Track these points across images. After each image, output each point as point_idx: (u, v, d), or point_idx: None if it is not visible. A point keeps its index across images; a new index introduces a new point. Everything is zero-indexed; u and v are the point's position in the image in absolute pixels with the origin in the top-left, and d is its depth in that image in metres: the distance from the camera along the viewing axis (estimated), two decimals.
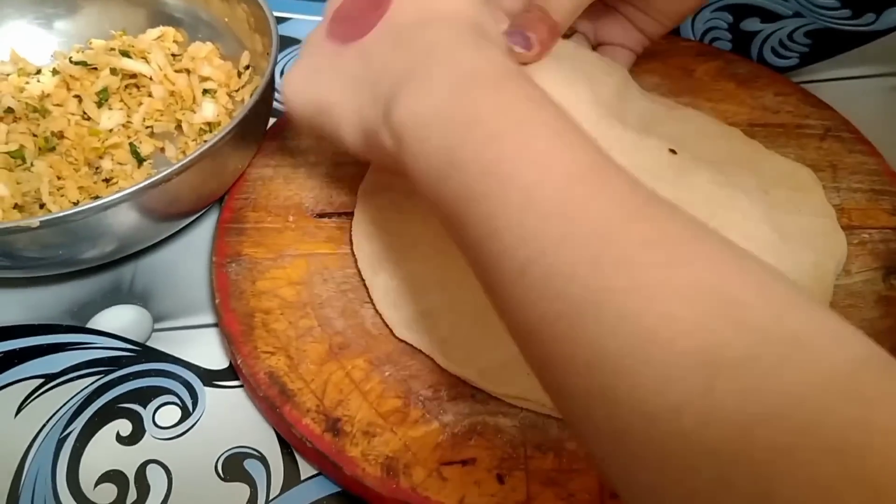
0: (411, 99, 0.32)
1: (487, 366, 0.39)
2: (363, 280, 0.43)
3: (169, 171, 0.40)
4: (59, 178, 0.49)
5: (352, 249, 0.45)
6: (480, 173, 0.29)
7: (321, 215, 0.47)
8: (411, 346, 0.41)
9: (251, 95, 0.45)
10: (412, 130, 0.32)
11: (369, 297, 0.43)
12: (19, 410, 0.41)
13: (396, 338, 0.41)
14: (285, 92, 0.40)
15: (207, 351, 0.43)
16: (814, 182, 0.46)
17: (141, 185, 0.40)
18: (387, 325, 0.41)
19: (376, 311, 0.42)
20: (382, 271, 0.43)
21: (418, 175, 0.32)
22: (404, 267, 0.43)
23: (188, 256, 0.47)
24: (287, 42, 0.61)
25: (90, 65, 0.53)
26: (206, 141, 0.43)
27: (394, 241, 0.44)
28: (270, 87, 0.48)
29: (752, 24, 0.60)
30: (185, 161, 0.41)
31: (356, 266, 0.44)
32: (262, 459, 0.39)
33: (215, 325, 0.44)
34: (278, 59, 0.57)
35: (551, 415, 0.38)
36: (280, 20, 0.62)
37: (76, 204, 0.47)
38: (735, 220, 0.40)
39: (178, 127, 0.53)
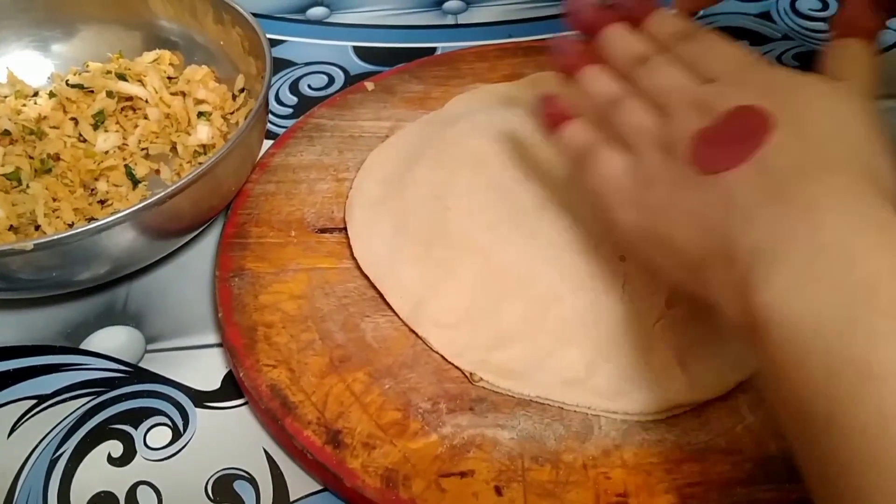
0: (786, 285, 0.27)
1: (495, 362, 0.39)
2: (363, 294, 0.44)
3: (163, 193, 0.40)
4: (54, 199, 0.48)
5: (354, 261, 0.45)
6: (873, 422, 0.23)
7: (322, 230, 0.47)
8: (410, 359, 0.41)
9: (246, 118, 0.45)
10: (779, 323, 0.27)
11: (386, 302, 0.43)
12: (12, 431, 0.40)
13: (397, 351, 0.41)
14: (611, 200, 0.36)
15: (199, 372, 0.43)
16: None
17: (134, 207, 0.40)
18: (403, 322, 0.42)
19: (393, 312, 0.43)
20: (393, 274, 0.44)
21: (771, 363, 0.27)
22: (412, 269, 0.44)
23: (181, 278, 0.47)
24: (281, 64, 0.62)
25: (87, 87, 0.54)
26: (200, 163, 0.43)
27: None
28: (265, 109, 0.48)
29: None
30: (179, 183, 0.41)
31: (356, 280, 0.44)
32: (252, 481, 0.38)
33: (207, 346, 0.44)
34: (272, 82, 0.58)
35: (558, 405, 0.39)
36: (274, 42, 0.64)
37: (71, 226, 0.47)
38: None
39: (174, 149, 0.53)
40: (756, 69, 0.36)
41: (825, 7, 0.65)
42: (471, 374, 0.40)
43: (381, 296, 0.43)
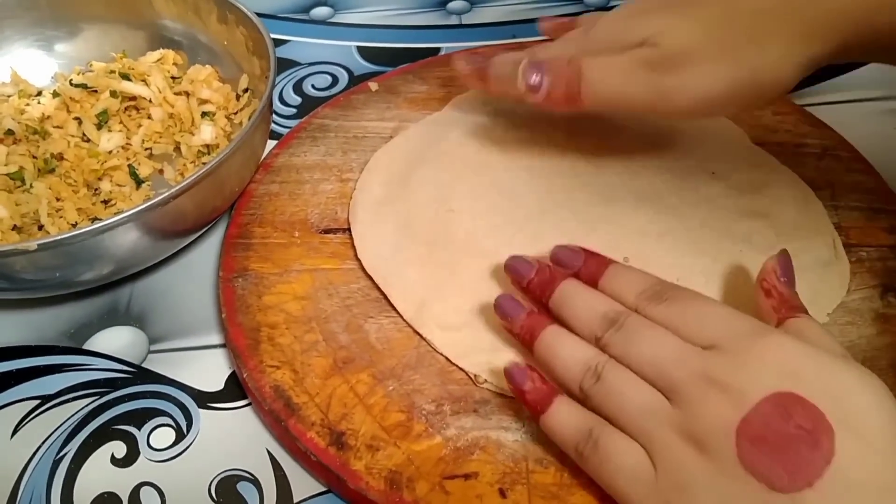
0: None
1: (499, 363, 0.39)
2: (367, 295, 0.44)
3: (166, 194, 0.40)
4: (57, 199, 0.48)
5: (358, 262, 0.45)
6: None
7: (326, 231, 0.47)
8: (414, 360, 0.40)
9: (249, 118, 0.45)
10: None
11: (389, 303, 0.43)
12: (15, 431, 0.40)
13: (401, 352, 0.41)
14: (631, 493, 0.32)
15: (203, 373, 0.43)
16: (816, 204, 0.47)
17: (138, 208, 0.40)
18: (407, 324, 0.42)
19: (397, 313, 0.42)
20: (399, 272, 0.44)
21: None
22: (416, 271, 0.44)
23: (185, 278, 0.47)
24: (285, 64, 0.61)
25: (90, 87, 0.54)
26: (204, 163, 0.43)
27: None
28: (268, 109, 0.48)
29: None
30: (183, 184, 0.41)
31: (360, 281, 0.44)
32: (255, 482, 0.38)
33: (211, 346, 0.44)
34: (276, 82, 0.58)
35: None
36: (278, 42, 0.63)
37: (74, 225, 0.47)
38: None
39: (177, 149, 0.53)
40: (758, 335, 0.32)
41: None
42: (475, 375, 0.40)
43: (385, 297, 0.43)
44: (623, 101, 0.40)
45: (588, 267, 0.39)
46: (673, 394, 0.32)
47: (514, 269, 0.40)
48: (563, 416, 0.35)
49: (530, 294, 0.40)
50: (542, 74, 0.41)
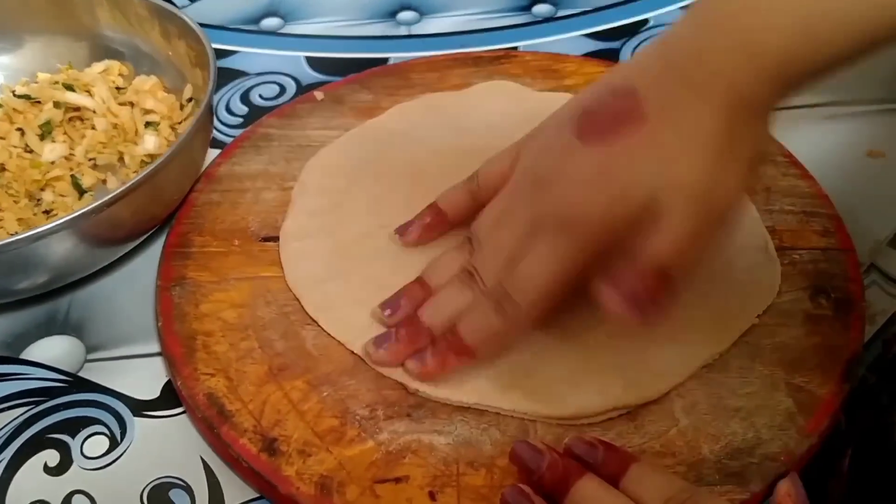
0: None
1: None
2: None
3: (100, 202, 0.40)
4: None
5: None
6: None
7: (266, 239, 0.47)
8: (350, 366, 0.41)
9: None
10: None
11: (311, 318, 0.43)
12: None
13: (337, 359, 0.41)
14: None
15: (139, 381, 0.43)
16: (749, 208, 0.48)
17: (72, 216, 0.40)
18: (335, 339, 0.42)
19: (321, 330, 0.42)
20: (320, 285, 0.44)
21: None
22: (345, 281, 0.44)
23: (125, 287, 0.47)
24: (233, 74, 0.62)
25: (34, 98, 0.54)
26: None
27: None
28: (208, 118, 0.49)
29: None
30: (117, 192, 0.41)
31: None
32: (188, 489, 0.38)
33: (148, 355, 0.44)
34: (224, 92, 0.59)
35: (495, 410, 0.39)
36: (227, 53, 0.64)
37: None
38: None
39: (121, 159, 0.53)
40: None
41: None
42: (405, 385, 0.40)
43: None
44: (703, 250, 0.38)
45: (609, 464, 0.35)
46: None
47: (521, 459, 0.36)
48: None
49: (542, 489, 0.35)
50: (641, 304, 0.37)
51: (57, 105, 0.53)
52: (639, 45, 0.63)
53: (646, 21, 0.66)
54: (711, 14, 0.36)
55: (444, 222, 0.46)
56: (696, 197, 0.36)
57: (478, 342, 0.39)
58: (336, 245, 0.46)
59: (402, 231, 0.46)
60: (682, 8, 0.67)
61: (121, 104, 0.54)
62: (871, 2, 0.33)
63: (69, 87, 0.54)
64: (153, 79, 0.55)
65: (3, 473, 0.39)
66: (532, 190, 0.40)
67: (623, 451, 0.36)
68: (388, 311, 0.42)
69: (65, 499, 0.38)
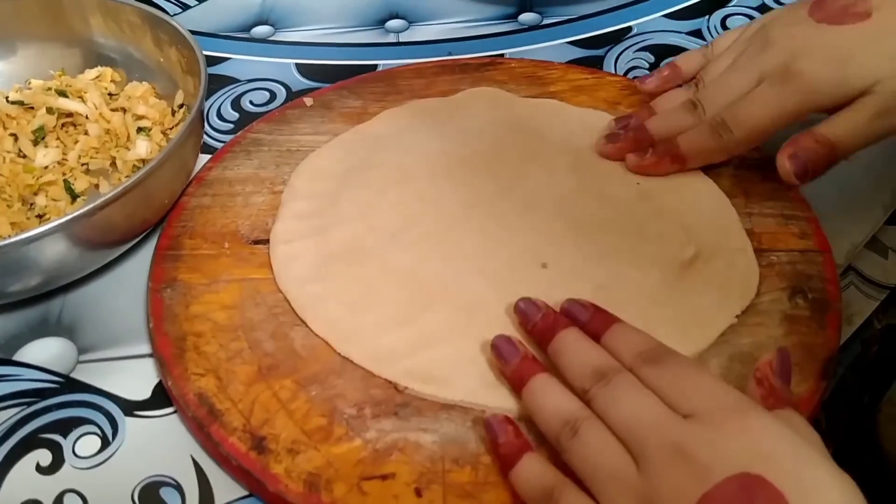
0: None
1: (419, 369, 0.41)
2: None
3: (92, 205, 0.41)
4: None
5: None
6: None
7: (256, 242, 0.48)
8: (338, 366, 0.41)
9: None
10: None
11: (300, 319, 0.44)
12: None
13: (325, 358, 0.42)
14: None
15: (130, 382, 0.43)
16: (729, 211, 0.49)
17: (64, 219, 0.40)
18: (323, 340, 0.43)
19: (310, 330, 0.43)
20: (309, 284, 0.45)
21: None
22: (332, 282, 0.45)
23: (117, 289, 0.48)
24: (224, 81, 0.63)
25: (27, 104, 0.54)
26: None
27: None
28: (199, 123, 0.49)
29: None
30: (109, 195, 0.42)
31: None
32: (178, 487, 0.39)
33: (139, 356, 0.44)
34: (215, 98, 0.60)
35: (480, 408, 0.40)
36: (218, 60, 0.65)
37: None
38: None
39: (113, 164, 0.54)
40: (740, 410, 0.32)
41: None
42: (396, 383, 0.41)
43: None
44: (868, 145, 0.45)
45: (594, 322, 0.39)
46: (641, 459, 0.32)
47: (521, 311, 0.41)
48: (529, 474, 0.35)
49: (533, 337, 0.41)
50: (804, 166, 0.45)
51: (50, 111, 0.54)
52: (622, 52, 0.64)
53: (629, 29, 0.67)
54: None
55: (679, 76, 0.54)
56: (884, 110, 0.43)
57: (692, 153, 0.49)
58: (324, 247, 0.47)
59: (642, 80, 0.55)
60: (664, 16, 0.68)
61: (113, 110, 0.55)
62: None
63: (62, 93, 0.54)
64: (145, 85, 0.56)
65: None
66: (762, 47, 0.47)
67: (610, 315, 0.40)
68: (617, 124, 0.52)
69: (57, 498, 0.38)
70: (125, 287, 0.48)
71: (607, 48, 0.65)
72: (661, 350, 0.36)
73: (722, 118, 0.47)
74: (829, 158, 0.45)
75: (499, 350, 0.40)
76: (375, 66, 0.64)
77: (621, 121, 0.52)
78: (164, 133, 0.54)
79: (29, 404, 0.42)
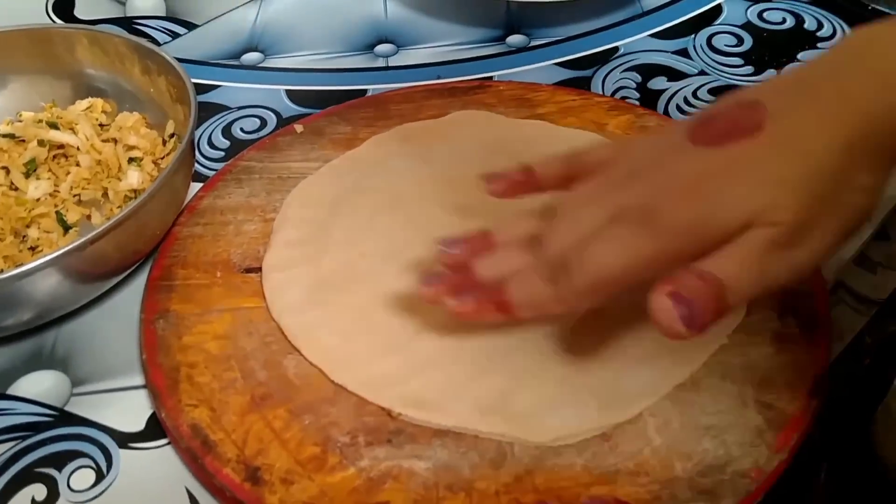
0: None
1: (411, 395, 0.41)
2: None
3: (84, 238, 0.41)
4: None
5: None
6: None
7: (248, 270, 0.48)
8: (331, 394, 0.42)
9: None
10: None
11: (294, 347, 0.44)
12: None
13: (318, 387, 0.42)
14: None
15: (124, 414, 0.43)
16: None
17: (56, 253, 0.41)
18: (317, 368, 0.43)
19: (303, 358, 0.43)
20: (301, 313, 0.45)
21: None
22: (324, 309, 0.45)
23: (110, 321, 0.48)
24: (214, 108, 0.63)
25: (18, 137, 0.55)
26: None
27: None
28: (190, 153, 0.50)
29: (658, 82, 0.64)
30: (101, 228, 0.42)
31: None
32: None
33: (133, 387, 0.44)
34: (206, 126, 0.60)
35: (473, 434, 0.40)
36: (208, 88, 0.65)
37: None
38: None
39: (105, 194, 0.54)
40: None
41: (740, 43, 0.68)
42: (389, 410, 0.41)
43: None
44: (765, 291, 0.37)
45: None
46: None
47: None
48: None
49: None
50: (690, 305, 0.34)
51: (41, 143, 0.54)
52: (609, 72, 0.65)
53: (616, 49, 0.67)
54: (854, 49, 0.37)
55: (533, 184, 0.44)
56: (780, 242, 0.35)
57: (522, 303, 0.40)
58: (316, 275, 0.47)
59: (490, 179, 0.45)
60: (650, 36, 0.69)
61: (104, 141, 0.55)
62: None
63: (53, 125, 0.55)
64: (136, 115, 0.56)
65: None
66: (627, 179, 0.39)
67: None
68: (443, 247, 0.43)
69: None
70: (118, 318, 0.48)
71: (594, 69, 0.65)
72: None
73: (564, 260, 0.38)
74: (718, 303, 0.34)
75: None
76: (365, 90, 0.64)
77: (450, 246, 0.43)
78: (155, 163, 0.55)
79: (23, 438, 0.42)
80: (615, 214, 0.38)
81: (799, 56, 0.66)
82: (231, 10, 0.74)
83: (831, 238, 0.36)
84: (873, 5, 0.70)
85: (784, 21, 0.70)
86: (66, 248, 0.41)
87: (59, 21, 0.73)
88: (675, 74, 0.64)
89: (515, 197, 0.44)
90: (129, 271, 0.49)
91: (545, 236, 0.40)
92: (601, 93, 0.63)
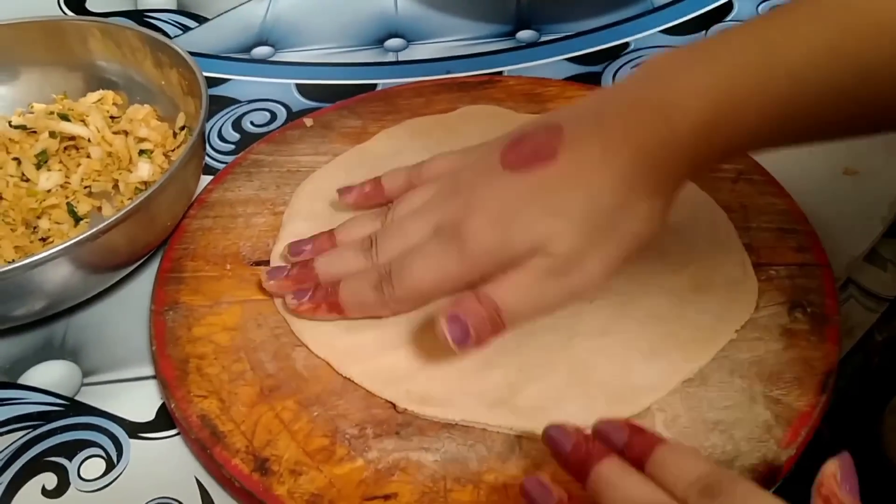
0: None
1: (418, 389, 0.41)
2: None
3: (95, 229, 0.42)
4: None
5: None
6: None
7: (258, 263, 0.48)
8: (339, 386, 0.42)
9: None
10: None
11: (299, 340, 0.44)
12: None
13: (326, 379, 0.42)
14: None
15: (134, 404, 0.44)
16: (727, 226, 0.49)
17: (67, 243, 0.41)
18: (324, 360, 0.43)
19: (310, 351, 0.43)
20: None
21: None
22: None
23: (120, 312, 0.48)
24: (225, 102, 0.63)
25: (30, 128, 0.55)
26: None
27: None
28: (200, 146, 0.50)
29: None
30: (112, 219, 0.42)
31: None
32: None
33: (143, 378, 0.45)
34: (216, 119, 0.61)
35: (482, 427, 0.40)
36: (219, 81, 0.65)
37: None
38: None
39: (116, 186, 0.54)
40: None
41: None
42: (394, 404, 0.41)
43: None
44: (542, 313, 0.42)
45: (633, 446, 0.34)
46: None
47: (551, 440, 0.35)
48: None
49: (568, 471, 0.35)
50: (465, 326, 0.39)
51: (52, 135, 0.54)
52: (620, 68, 0.65)
53: (626, 45, 0.67)
54: (645, 79, 0.39)
55: (380, 196, 0.48)
56: (555, 270, 0.39)
57: (350, 306, 0.43)
58: None
59: (343, 192, 0.49)
60: (661, 31, 0.69)
61: (115, 133, 0.55)
62: (776, 89, 0.35)
63: (64, 117, 0.55)
64: (147, 108, 0.57)
65: (1, 497, 0.40)
66: (449, 195, 0.43)
67: (650, 434, 0.34)
68: (292, 251, 0.46)
69: None
70: (128, 310, 0.48)
71: (605, 64, 0.65)
72: (717, 477, 0.31)
73: (389, 269, 0.42)
74: (493, 323, 0.39)
75: (529, 495, 0.34)
76: (375, 85, 0.64)
77: (296, 246, 0.47)
78: (165, 155, 0.55)
79: (34, 427, 0.43)
80: (436, 229, 0.42)
81: None
82: (242, 4, 0.74)
83: (609, 262, 0.40)
84: None
85: None
86: (77, 239, 0.41)
87: (70, 13, 0.74)
88: None
89: (367, 207, 0.49)
90: (139, 263, 0.49)
91: (379, 242, 0.44)
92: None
